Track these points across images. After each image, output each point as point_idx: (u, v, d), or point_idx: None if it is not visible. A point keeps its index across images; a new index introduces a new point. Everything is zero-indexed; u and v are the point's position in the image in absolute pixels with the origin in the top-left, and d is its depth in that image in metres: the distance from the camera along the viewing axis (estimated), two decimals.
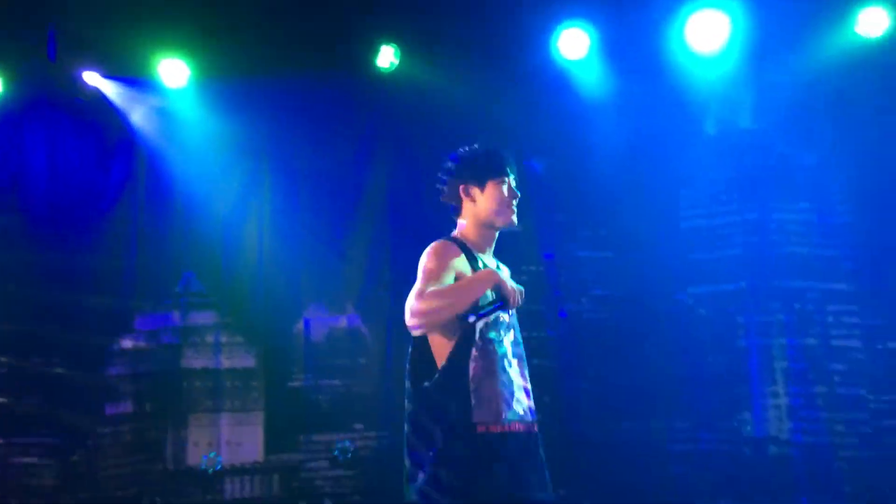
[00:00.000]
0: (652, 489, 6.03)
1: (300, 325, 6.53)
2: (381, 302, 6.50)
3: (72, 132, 6.65)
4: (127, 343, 6.56)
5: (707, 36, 6.09)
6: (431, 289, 2.80)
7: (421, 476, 2.78)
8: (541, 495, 2.86)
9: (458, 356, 2.84)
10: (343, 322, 6.54)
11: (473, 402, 2.80)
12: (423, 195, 6.56)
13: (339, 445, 6.11)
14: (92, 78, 6.46)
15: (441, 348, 2.88)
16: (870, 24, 5.95)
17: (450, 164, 3.11)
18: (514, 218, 3.06)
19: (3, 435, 6.41)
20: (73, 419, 6.44)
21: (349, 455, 6.14)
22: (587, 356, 6.21)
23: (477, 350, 2.86)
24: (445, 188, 3.12)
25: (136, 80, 6.51)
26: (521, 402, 2.92)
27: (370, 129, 6.65)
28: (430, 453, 2.77)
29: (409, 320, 2.82)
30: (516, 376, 2.94)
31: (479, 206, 3.03)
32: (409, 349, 2.95)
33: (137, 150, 6.67)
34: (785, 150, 6.29)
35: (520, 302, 2.86)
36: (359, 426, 6.45)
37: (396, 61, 6.36)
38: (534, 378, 3.07)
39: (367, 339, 6.54)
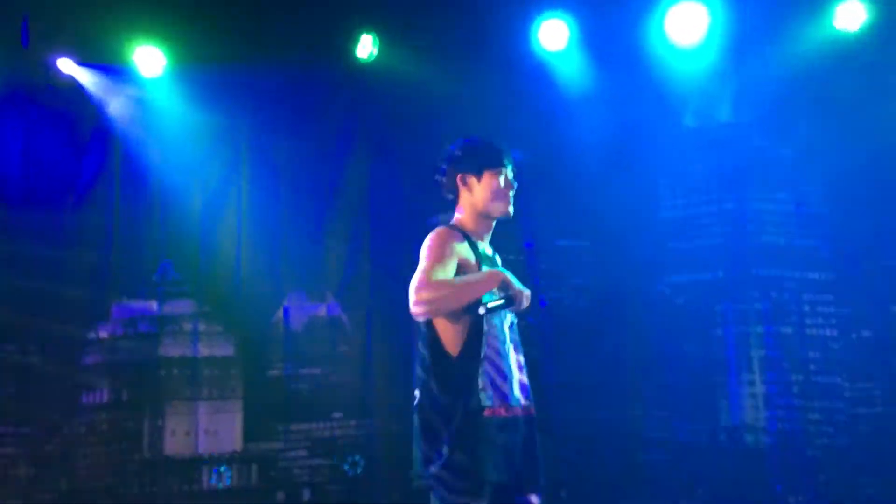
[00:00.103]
0: (628, 477, 6.10)
1: (279, 314, 6.53)
2: (361, 290, 6.51)
3: (46, 121, 6.59)
4: (103, 332, 6.52)
5: (686, 28, 6.14)
6: (439, 276, 2.84)
7: (436, 459, 2.80)
8: (531, 485, 2.92)
9: (472, 343, 2.91)
10: (323, 310, 6.54)
11: (481, 386, 2.85)
12: (403, 184, 6.62)
13: (350, 459, 6.11)
14: (66, 65, 6.39)
15: (449, 334, 2.94)
16: (847, 18, 6.03)
17: (448, 154, 3.17)
18: (511, 208, 3.13)
19: None
20: (48, 409, 6.40)
21: (359, 470, 6.14)
22: (566, 345, 6.25)
23: (484, 336, 2.91)
24: (444, 178, 3.18)
25: (112, 67, 6.46)
26: (522, 385, 3.00)
27: (349, 119, 6.65)
28: (444, 437, 2.81)
29: (413, 306, 2.86)
30: (514, 361, 3.00)
31: (476, 196, 3.10)
32: (418, 338, 2.99)
33: (113, 138, 6.62)
34: (763, 142, 6.37)
35: (525, 304, 2.93)
36: (338, 415, 6.46)
37: (375, 51, 6.36)
38: None
39: (347, 328, 6.54)
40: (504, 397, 2.92)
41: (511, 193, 3.12)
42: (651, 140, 6.41)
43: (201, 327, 6.52)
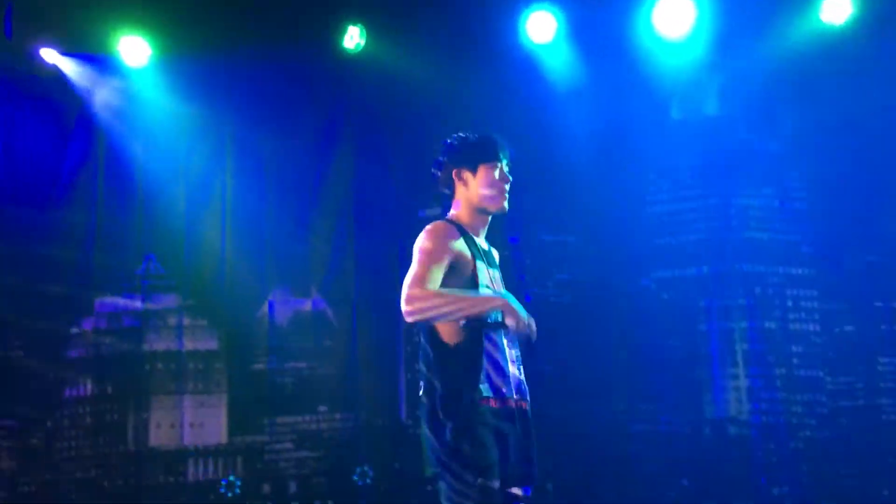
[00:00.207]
0: (614, 469, 6.17)
1: (264, 308, 6.55)
2: (346, 285, 6.54)
3: (29, 111, 6.56)
4: (87, 326, 6.54)
5: (674, 21, 6.16)
6: (434, 278, 2.87)
7: (441, 448, 2.86)
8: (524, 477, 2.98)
9: (470, 336, 2.94)
10: (308, 305, 6.57)
11: (482, 378, 2.91)
12: (389, 178, 6.65)
13: (359, 470, 6.15)
14: (50, 55, 6.36)
15: (448, 328, 2.97)
16: (833, 12, 6.06)
17: (443, 148, 3.16)
18: (506, 203, 3.12)
19: None
20: (31, 403, 6.42)
21: (368, 480, 6.19)
22: (552, 339, 6.30)
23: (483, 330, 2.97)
24: (439, 172, 3.16)
25: (96, 57, 6.44)
26: (516, 380, 3.04)
27: (335, 111, 6.65)
28: (448, 426, 2.86)
29: (404, 307, 2.89)
30: (510, 355, 3.05)
31: (472, 191, 3.09)
32: (420, 333, 3.03)
33: (97, 129, 6.61)
34: (749, 135, 6.41)
35: (525, 330, 2.87)
36: (323, 408, 6.51)
37: (362, 42, 6.35)
38: None
39: (332, 322, 6.58)
40: (500, 389, 2.96)
41: (506, 188, 3.11)
42: (638, 133, 6.44)
43: (186, 321, 6.54)
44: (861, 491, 6.01)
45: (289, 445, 6.45)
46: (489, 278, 3.06)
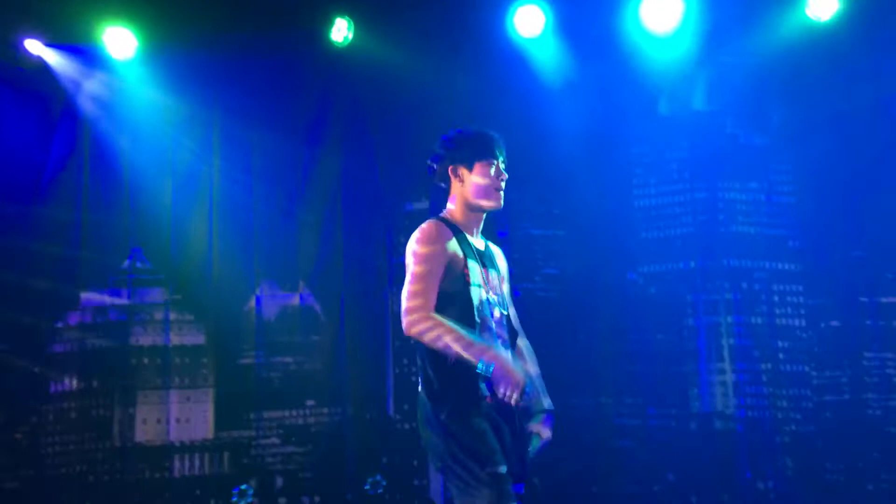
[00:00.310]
0: (601, 463, 6.24)
1: (251, 303, 6.59)
2: (334, 279, 6.58)
3: (13, 103, 6.56)
4: (72, 320, 6.56)
5: (661, 16, 6.24)
6: (429, 290, 2.92)
7: (445, 445, 2.92)
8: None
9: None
10: (295, 299, 6.60)
11: (479, 377, 2.96)
12: (377, 171, 6.69)
13: (371, 480, 6.20)
14: (34, 46, 6.36)
15: None
16: (820, 7, 6.15)
17: (440, 145, 3.21)
18: (501, 201, 3.18)
19: None
20: (16, 397, 6.43)
21: (380, 490, 6.24)
22: (539, 333, 6.35)
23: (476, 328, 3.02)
24: (436, 166, 3.22)
25: (82, 49, 6.44)
26: None
27: (323, 105, 6.68)
28: (449, 422, 2.92)
29: (404, 322, 2.99)
30: (508, 352, 3.10)
31: (467, 187, 3.14)
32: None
33: (82, 122, 6.61)
34: (736, 130, 6.49)
35: (508, 393, 2.84)
36: (311, 402, 6.55)
37: (350, 35, 6.39)
38: None
39: (320, 316, 6.61)
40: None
41: (502, 185, 3.17)
42: (625, 128, 6.51)
43: (172, 316, 6.56)
44: (846, 485, 6.11)
45: (276, 440, 6.49)
46: (482, 278, 3.11)
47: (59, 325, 6.56)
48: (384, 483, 6.24)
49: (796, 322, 6.30)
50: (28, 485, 6.37)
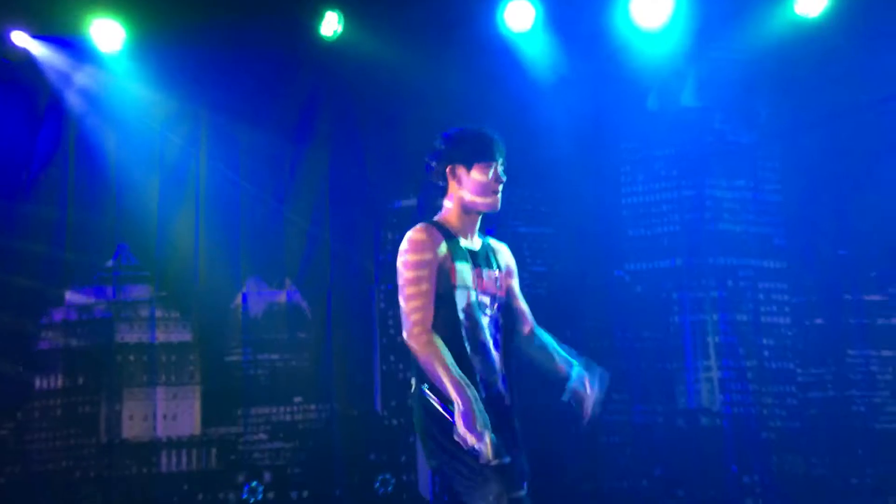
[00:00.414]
0: (588, 459, 6.32)
1: (238, 300, 6.62)
2: (321, 276, 6.61)
3: None
4: (58, 317, 6.57)
5: (651, 11, 6.27)
6: (424, 306, 2.97)
7: (445, 443, 2.94)
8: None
9: (454, 340, 3.05)
10: (282, 296, 6.63)
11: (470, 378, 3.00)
12: (365, 167, 6.72)
13: (381, 477, 6.24)
14: (20, 38, 6.34)
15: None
16: (808, 4, 6.20)
17: (439, 144, 3.20)
18: (499, 203, 3.18)
19: None
20: (1, 394, 6.45)
21: (390, 488, 6.28)
22: None
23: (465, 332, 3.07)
24: (433, 167, 3.21)
25: (68, 41, 6.42)
26: (501, 379, 3.13)
27: (312, 99, 6.69)
28: (445, 420, 2.95)
29: (406, 338, 3.03)
30: (496, 355, 3.12)
31: (464, 188, 3.14)
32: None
33: (68, 116, 6.60)
34: (724, 127, 6.54)
35: (480, 448, 2.87)
36: (297, 399, 6.60)
37: (340, 29, 6.39)
38: None
39: (307, 313, 6.65)
40: (489, 388, 3.06)
41: (499, 188, 3.16)
42: (613, 124, 6.56)
43: (158, 313, 6.59)
44: (829, 480, 6.23)
45: (263, 437, 6.55)
46: (473, 279, 3.12)
47: (44, 322, 6.58)
48: (393, 481, 6.30)
49: (781, 320, 6.38)
50: (14, 481, 6.40)
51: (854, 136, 6.30)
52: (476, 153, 3.15)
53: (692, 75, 6.56)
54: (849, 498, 6.18)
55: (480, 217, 3.23)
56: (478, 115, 6.45)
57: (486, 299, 3.17)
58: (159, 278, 6.61)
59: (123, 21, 6.30)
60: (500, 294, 3.23)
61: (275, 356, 6.61)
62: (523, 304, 3.40)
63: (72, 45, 6.43)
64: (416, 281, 3.02)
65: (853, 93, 6.28)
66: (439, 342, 2.99)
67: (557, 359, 3.32)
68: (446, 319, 3.06)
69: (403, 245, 3.11)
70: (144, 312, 6.58)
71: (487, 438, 2.87)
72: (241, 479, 6.49)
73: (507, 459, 2.93)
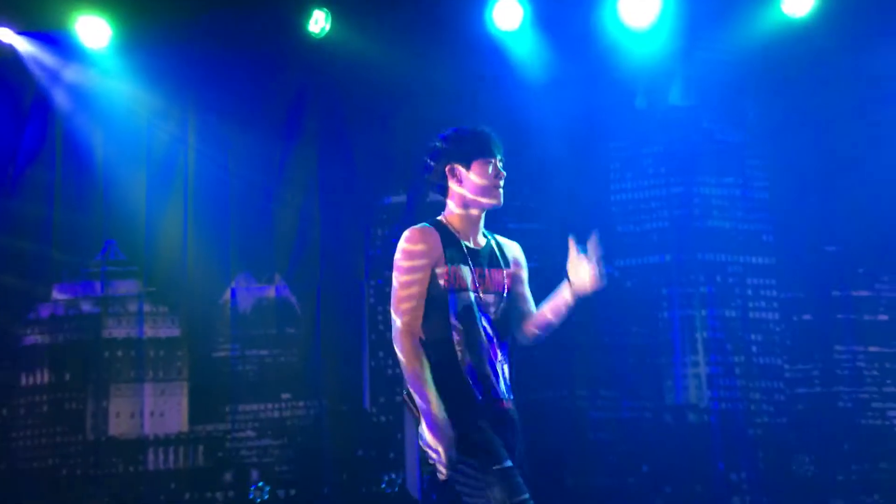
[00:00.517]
0: (576, 455, 6.36)
1: (227, 295, 6.63)
2: (310, 272, 6.63)
3: None
4: (44, 313, 6.57)
5: (639, 10, 6.34)
6: (413, 309, 3.00)
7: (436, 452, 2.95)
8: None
9: (446, 347, 3.08)
10: (271, 292, 6.65)
11: (469, 382, 3.04)
12: (354, 164, 6.75)
13: (387, 477, 6.24)
14: (4, 34, 6.35)
15: (427, 339, 3.09)
16: (795, 4, 6.28)
17: (437, 144, 3.22)
18: (501, 199, 3.21)
19: None
20: None
21: (396, 488, 6.29)
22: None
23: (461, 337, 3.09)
24: (432, 168, 3.23)
25: (54, 38, 6.44)
26: (503, 381, 3.14)
27: (300, 96, 6.72)
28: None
29: (393, 331, 3.06)
30: (497, 356, 3.13)
31: (465, 187, 3.17)
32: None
33: (55, 113, 6.61)
34: (712, 125, 6.61)
35: (437, 462, 2.92)
36: (286, 396, 6.61)
37: (328, 26, 6.43)
38: None
39: (296, 309, 6.67)
40: (488, 391, 3.08)
41: (500, 184, 3.20)
42: (602, 122, 6.61)
43: (146, 308, 6.59)
44: (816, 476, 6.28)
45: (251, 434, 6.56)
46: (473, 279, 3.13)
47: (31, 317, 6.57)
48: (399, 481, 6.31)
49: (769, 315, 6.45)
50: (0, 477, 6.39)
51: (842, 133, 6.37)
52: (475, 150, 3.17)
53: (680, 74, 6.62)
54: (835, 494, 6.25)
55: (483, 215, 3.23)
56: (466, 113, 6.56)
57: (490, 298, 3.18)
58: (147, 273, 6.61)
59: (109, 17, 6.31)
60: (506, 292, 3.24)
61: (263, 352, 6.62)
62: (529, 305, 3.38)
63: (57, 42, 6.45)
64: (405, 285, 3.05)
65: (841, 91, 6.36)
66: (419, 351, 3.02)
67: (549, 304, 3.28)
68: (438, 323, 3.08)
69: (399, 245, 3.13)
70: (132, 308, 6.59)
71: (444, 457, 2.91)
72: (227, 477, 6.49)
73: (510, 463, 2.94)
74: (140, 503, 6.43)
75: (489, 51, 6.48)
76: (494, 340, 3.19)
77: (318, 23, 6.41)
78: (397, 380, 6.53)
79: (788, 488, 6.26)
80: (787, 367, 6.42)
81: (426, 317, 3.07)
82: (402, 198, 6.67)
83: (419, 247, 3.08)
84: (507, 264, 3.28)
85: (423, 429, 2.96)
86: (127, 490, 6.46)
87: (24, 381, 6.54)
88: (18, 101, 6.60)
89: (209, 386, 6.58)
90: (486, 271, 3.18)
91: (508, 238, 3.46)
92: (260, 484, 6.31)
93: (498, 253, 3.28)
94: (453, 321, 3.09)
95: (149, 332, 6.58)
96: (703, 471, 6.31)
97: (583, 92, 6.47)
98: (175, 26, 6.27)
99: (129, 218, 6.59)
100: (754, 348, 6.43)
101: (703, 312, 6.42)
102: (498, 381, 3.12)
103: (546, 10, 6.40)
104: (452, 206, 3.21)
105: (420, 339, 3.07)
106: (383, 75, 6.42)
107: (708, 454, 6.32)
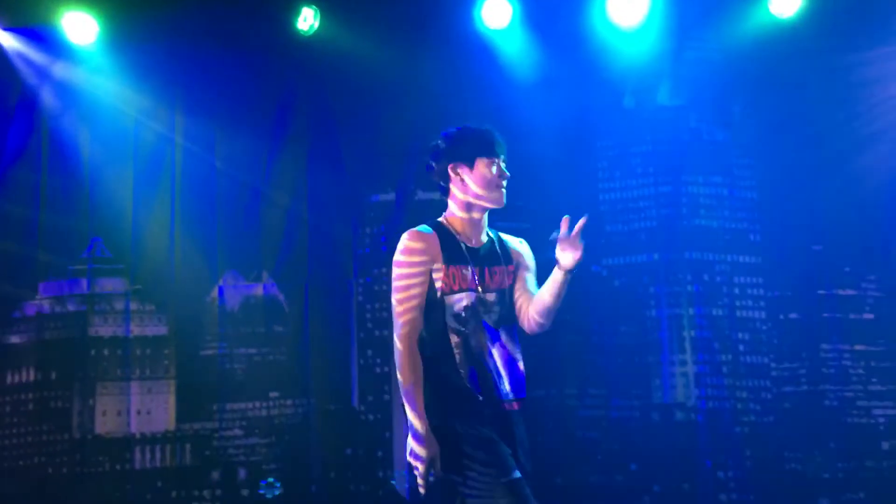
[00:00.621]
0: (564, 453, 6.40)
1: (214, 293, 6.63)
2: (298, 270, 6.64)
3: None
4: (30, 311, 6.55)
5: (627, 10, 6.38)
6: (413, 357, 3.01)
7: (453, 459, 2.97)
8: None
9: (444, 353, 3.10)
10: (259, 290, 6.65)
11: (470, 386, 3.06)
12: (343, 162, 6.76)
13: (397, 473, 6.25)
14: None
15: (424, 341, 3.10)
16: (783, 4, 6.33)
17: (439, 143, 3.20)
18: (504, 199, 3.20)
19: None
20: None
21: (406, 483, 6.31)
22: None
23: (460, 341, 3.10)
24: (434, 167, 3.22)
25: (40, 34, 6.41)
26: (510, 381, 3.15)
27: (289, 94, 6.72)
28: (456, 433, 2.99)
29: (394, 332, 3.06)
30: (499, 358, 3.13)
31: (468, 186, 3.15)
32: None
33: (40, 109, 6.58)
34: (699, 125, 6.66)
35: (418, 476, 2.95)
36: (274, 394, 6.62)
37: (316, 24, 6.44)
38: None
39: (284, 307, 6.68)
40: (489, 392, 3.08)
41: (504, 183, 3.19)
42: (591, 121, 6.65)
43: (133, 306, 6.58)
44: (802, 474, 6.34)
45: (239, 432, 6.56)
46: (472, 280, 3.11)
47: (17, 315, 6.55)
48: (400, 476, 6.33)
49: (756, 314, 6.50)
50: None
51: (828, 134, 6.43)
52: (478, 150, 3.15)
53: (668, 74, 6.66)
54: (821, 492, 6.31)
55: (486, 214, 3.22)
56: (454, 111, 6.58)
57: (492, 297, 3.16)
58: (134, 271, 6.60)
59: (96, 13, 6.29)
60: (508, 289, 3.22)
61: (251, 350, 6.63)
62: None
63: (43, 38, 6.42)
64: (404, 288, 3.05)
65: (827, 91, 6.42)
66: (417, 364, 3.02)
67: (543, 288, 3.24)
68: (436, 325, 3.08)
69: (396, 250, 3.11)
70: (119, 306, 6.58)
71: (423, 471, 2.94)
72: (215, 476, 6.50)
73: (518, 475, 2.95)
74: (127, 502, 6.43)
75: (478, 49, 6.51)
76: (499, 339, 3.15)
77: (307, 20, 6.41)
78: (386, 378, 6.56)
79: (775, 486, 6.32)
80: (773, 365, 6.47)
81: (427, 319, 3.07)
82: (390, 196, 6.69)
83: (417, 248, 3.06)
84: (507, 261, 3.26)
85: (411, 441, 2.98)
86: (113, 489, 6.45)
87: (9, 379, 6.52)
88: (3, 99, 6.57)
89: (196, 384, 6.58)
90: (487, 270, 3.16)
91: None
92: (270, 479, 6.32)
93: (499, 250, 3.26)
94: (454, 323, 3.08)
95: (135, 330, 6.57)
96: (690, 469, 6.36)
97: (571, 91, 6.51)
98: (163, 23, 6.25)
99: (115, 216, 6.57)
100: (741, 347, 6.48)
101: (691, 311, 6.47)
102: (500, 382, 3.10)
103: (535, 8, 6.43)
104: (454, 206, 3.20)
105: (421, 341, 3.06)
106: (372, 73, 6.43)
107: (695, 452, 6.37)
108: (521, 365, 3.20)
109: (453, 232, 3.18)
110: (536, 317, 3.26)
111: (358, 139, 6.66)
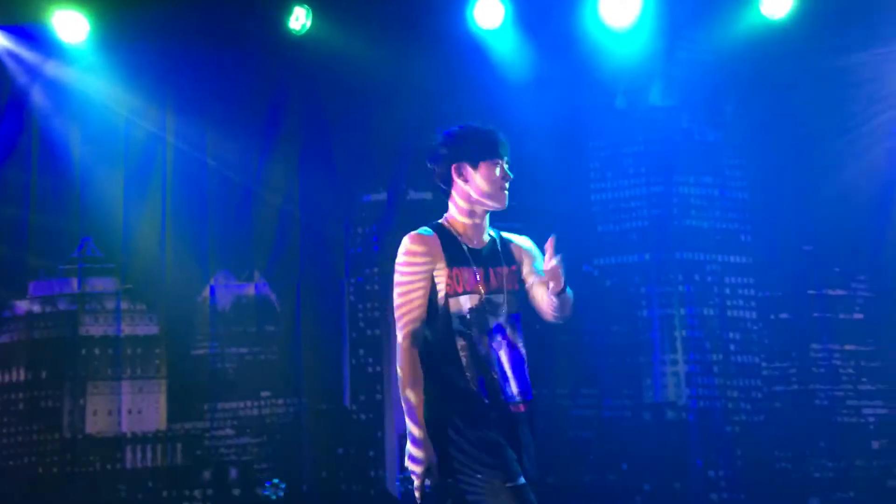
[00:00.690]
0: (556, 453, 6.42)
1: (206, 293, 6.63)
2: (290, 269, 6.65)
3: None
4: (20, 310, 6.54)
5: (620, 11, 6.40)
6: (414, 361, 2.98)
7: (458, 462, 2.95)
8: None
9: (449, 354, 3.06)
10: (250, 289, 6.66)
11: (475, 388, 3.03)
12: (334, 161, 6.77)
13: (402, 475, 6.24)
14: None
15: (427, 347, 3.08)
16: (774, 5, 6.37)
17: (442, 143, 3.14)
18: (506, 201, 3.14)
19: None
20: None
21: (404, 488, 6.30)
22: None
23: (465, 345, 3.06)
24: (437, 167, 3.16)
25: (30, 32, 6.39)
26: (517, 383, 3.10)
27: (281, 94, 6.72)
28: (461, 437, 2.99)
29: (397, 334, 3.04)
30: (506, 359, 3.09)
31: (471, 187, 3.09)
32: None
33: (30, 108, 6.57)
34: (691, 125, 6.69)
35: (416, 484, 2.95)
36: (266, 394, 6.63)
37: (308, 23, 6.44)
38: None
39: (276, 307, 6.68)
40: (495, 394, 3.05)
41: (506, 185, 3.13)
42: (583, 122, 6.67)
43: (124, 305, 6.58)
44: (793, 473, 6.39)
45: (230, 432, 6.56)
46: (475, 282, 3.06)
47: (7, 314, 6.54)
48: (409, 482, 6.32)
49: (747, 314, 6.55)
50: None
51: (818, 135, 6.47)
52: (483, 151, 3.10)
53: (660, 75, 6.69)
54: (811, 491, 6.36)
55: (488, 215, 3.17)
56: (446, 111, 6.59)
57: (498, 298, 3.12)
58: (125, 271, 6.59)
59: (87, 12, 6.28)
60: (514, 288, 3.18)
61: (243, 350, 6.63)
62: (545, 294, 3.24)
63: (34, 37, 6.41)
64: (406, 292, 3.01)
65: (817, 92, 6.46)
66: (418, 373, 2.99)
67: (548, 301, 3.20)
68: (441, 329, 3.04)
69: (398, 253, 3.07)
70: (110, 305, 6.58)
71: (419, 482, 2.93)
72: (206, 475, 6.50)
73: (522, 480, 2.92)
74: (118, 501, 6.43)
75: (470, 49, 6.51)
76: (507, 340, 3.10)
77: (299, 20, 6.42)
78: (377, 377, 6.58)
79: (766, 485, 6.36)
80: (764, 365, 6.52)
81: (431, 323, 3.04)
82: (382, 195, 6.70)
83: (418, 252, 3.02)
84: (510, 261, 3.20)
85: (409, 446, 2.98)
86: (104, 488, 6.45)
87: (0, 378, 6.51)
88: None
89: (188, 384, 6.58)
90: (491, 271, 3.11)
91: None
92: (275, 480, 6.32)
93: (501, 250, 3.20)
94: (459, 326, 3.04)
95: (126, 329, 6.57)
96: (681, 468, 6.39)
97: (563, 91, 6.53)
98: (154, 21, 6.24)
99: (106, 216, 6.56)
100: (732, 347, 6.52)
101: (682, 311, 6.51)
102: (507, 384, 3.06)
103: (527, 9, 6.45)
104: (455, 208, 3.14)
105: (426, 344, 3.03)
106: (364, 73, 6.44)
107: (686, 451, 6.40)
108: (523, 366, 3.15)
109: (455, 233, 3.11)
110: (552, 311, 3.24)
111: (350, 139, 6.67)
